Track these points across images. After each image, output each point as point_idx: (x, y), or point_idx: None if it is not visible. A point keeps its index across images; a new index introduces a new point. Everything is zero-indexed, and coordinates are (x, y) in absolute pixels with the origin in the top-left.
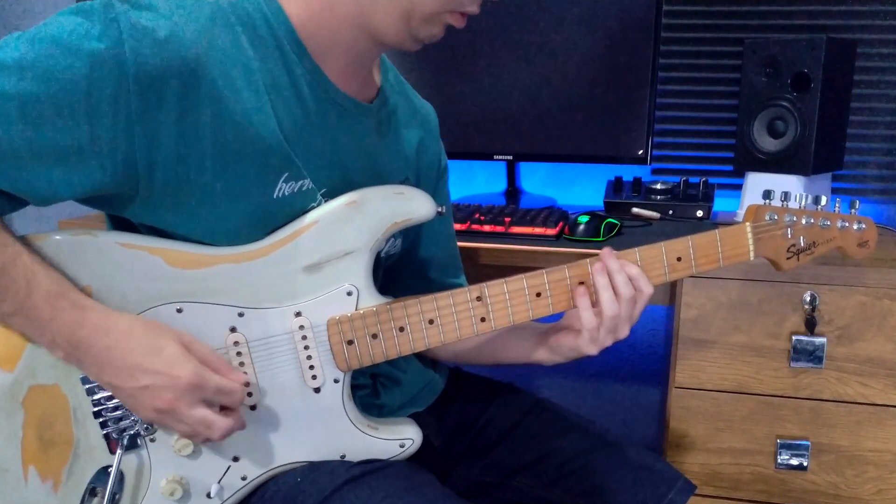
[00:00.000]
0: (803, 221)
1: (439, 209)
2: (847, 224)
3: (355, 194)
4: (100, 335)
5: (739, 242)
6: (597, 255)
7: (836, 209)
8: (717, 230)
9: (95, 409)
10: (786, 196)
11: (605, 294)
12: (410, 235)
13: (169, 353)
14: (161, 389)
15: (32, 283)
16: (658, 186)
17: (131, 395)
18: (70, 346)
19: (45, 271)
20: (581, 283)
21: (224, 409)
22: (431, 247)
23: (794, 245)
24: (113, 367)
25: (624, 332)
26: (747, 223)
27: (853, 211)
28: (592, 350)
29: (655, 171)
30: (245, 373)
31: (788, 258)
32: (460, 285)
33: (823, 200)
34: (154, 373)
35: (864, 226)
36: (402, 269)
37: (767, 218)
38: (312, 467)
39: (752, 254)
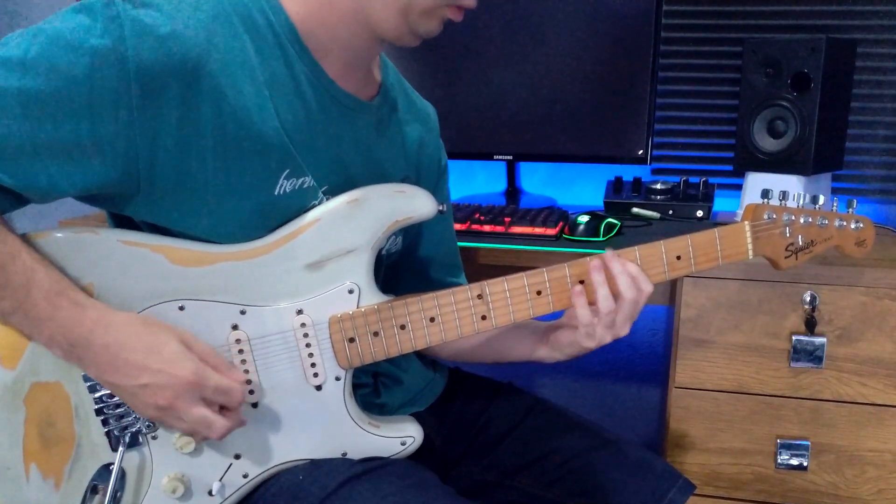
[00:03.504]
0: (801, 220)
1: (440, 207)
2: (845, 223)
3: (357, 192)
4: (98, 333)
5: (738, 241)
6: (597, 255)
7: (834, 208)
8: (716, 229)
9: (97, 406)
10: (784, 195)
11: (602, 290)
12: (411, 234)
13: (169, 351)
14: (161, 388)
15: (32, 281)
16: (658, 186)
17: (132, 393)
18: (68, 345)
19: (44, 269)
20: (581, 281)
21: (224, 408)
22: (432, 246)
23: (792, 244)
24: (112, 366)
25: (624, 331)
26: (746, 222)
27: (850, 210)
28: (591, 344)
29: (655, 171)
30: (246, 371)
31: (787, 257)
32: (460, 284)
33: (821, 199)
34: (154, 371)
35: (861, 225)
36: (403, 268)
37: (766, 217)
38: (314, 465)
39: (750, 252)
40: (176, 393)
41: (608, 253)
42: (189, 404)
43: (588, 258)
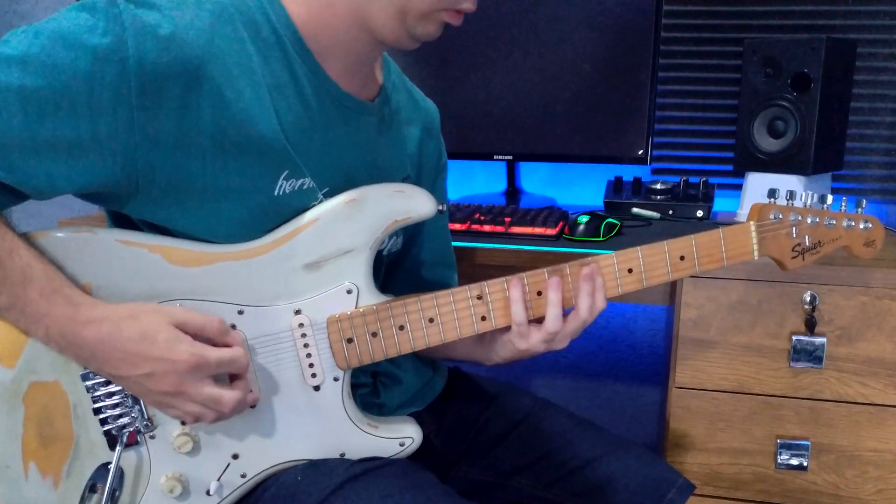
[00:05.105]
0: (808, 220)
1: (440, 207)
2: (853, 223)
3: (355, 192)
4: (92, 329)
5: (743, 241)
6: (592, 256)
7: (842, 208)
8: (720, 229)
9: (95, 405)
10: (791, 195)
11: (553, 311)
12: (409, 233)
13: (163, 338)
14: (164, 374)
15: (28, 277)
16: (658, 186)
17: (137, 382)
18: (64, 341)
19: (41, 266)
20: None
21: (233, 378)
22: (429, 245)
23: (799, 244)
24: (112, 359)
25: (562, 346)
26: (751, 222)
27: (859, 210)
28: (522, 346)
29: (655, 171)
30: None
31: (794, 257)
32: (452, 284)
33: (829, 199)
34: (153, 360)
35: (870, 225)
36: (397, 265)
37: (772, 217)
38: (312, 465)
39: (756, 253)
40: (180, 377)
41: (587, 269)
42: (196, 385)
43: (545, 270)
